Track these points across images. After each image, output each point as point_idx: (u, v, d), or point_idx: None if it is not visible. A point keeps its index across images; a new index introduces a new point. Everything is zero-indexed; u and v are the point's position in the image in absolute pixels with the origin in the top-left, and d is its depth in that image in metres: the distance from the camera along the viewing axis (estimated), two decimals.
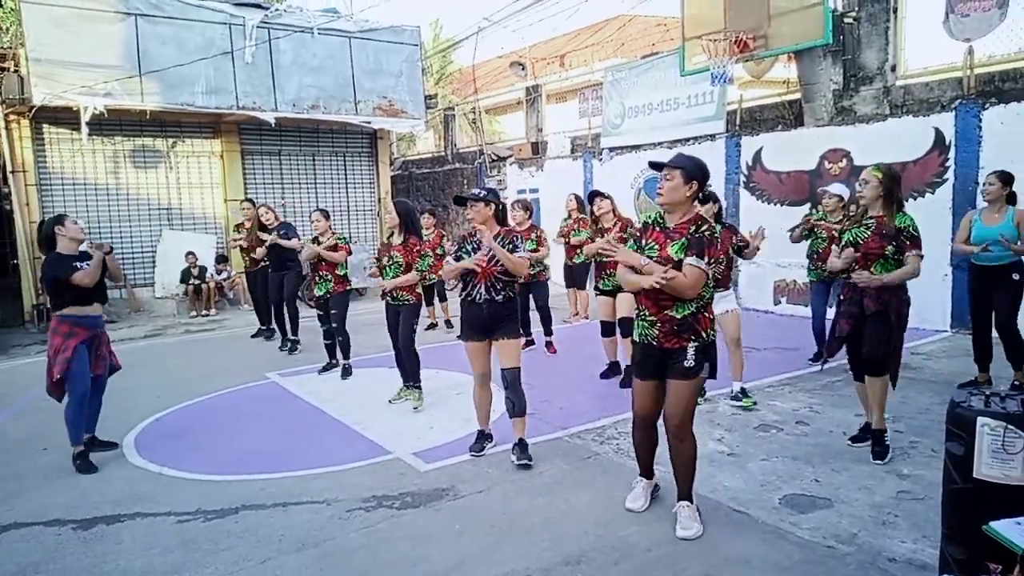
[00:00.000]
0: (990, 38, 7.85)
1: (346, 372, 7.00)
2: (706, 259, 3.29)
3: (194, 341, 9.81)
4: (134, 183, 12.10)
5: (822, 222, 6.40)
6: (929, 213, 7.50)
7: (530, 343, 7.69)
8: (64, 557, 3.54)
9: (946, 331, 7.76)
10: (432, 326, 9.37)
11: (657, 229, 3.47)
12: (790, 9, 8.97)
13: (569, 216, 8.33)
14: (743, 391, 5.48)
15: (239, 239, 9.14)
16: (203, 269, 12.12)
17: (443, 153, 17.08)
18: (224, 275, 12.42)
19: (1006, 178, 5.28)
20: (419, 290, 5.90)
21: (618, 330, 6.15)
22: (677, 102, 11.26)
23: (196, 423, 5.76)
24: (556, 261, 9.27)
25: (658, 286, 3.26)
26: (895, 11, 8.70)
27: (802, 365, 6.58)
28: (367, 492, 4.13)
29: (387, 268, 5.71)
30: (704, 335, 3.40)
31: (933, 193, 7.89)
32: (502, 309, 4.42)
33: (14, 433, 5.65)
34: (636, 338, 3.54)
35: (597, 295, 6.42)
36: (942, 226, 7.52)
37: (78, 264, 4.68)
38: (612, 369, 6.41)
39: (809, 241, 6.60)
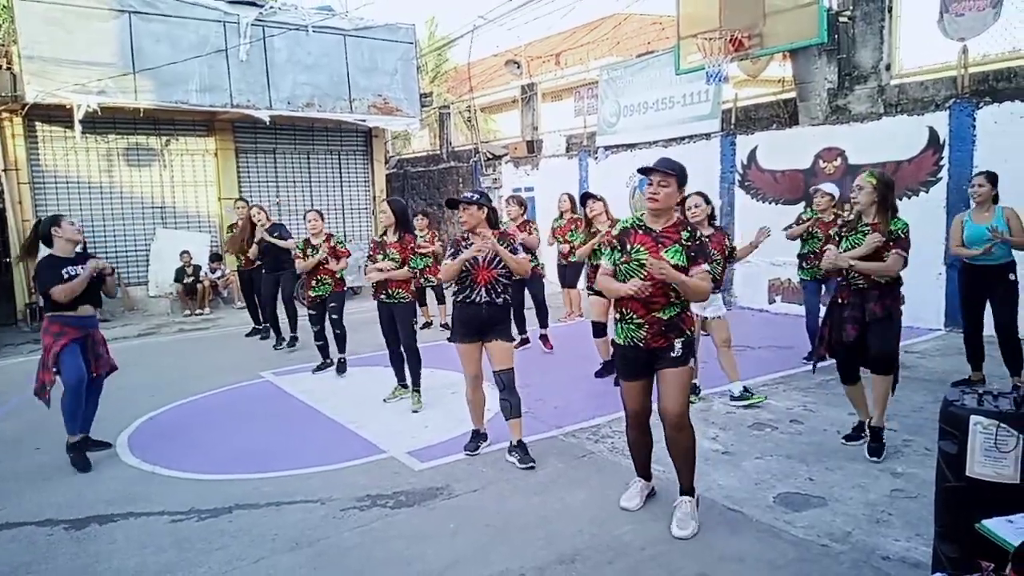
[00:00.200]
0: (984, 37, 7.88)
1: (341, 366, 6.99)
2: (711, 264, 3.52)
3: (188, 340, 9.79)
4: (128, 181, 12.07)
5: (817, 220, 6.40)
6: (923, 212, 7.55)
7: (525, 342, 7.69)
8: (56, 557, 3.52)
9: (940, 330, 7.79)
10: (427, 325, 9.36)
11: (641, 232, 3.49)
12: (785, 8, 8.97)
13: (562, 216, 8.33)
14: (745, 389, 5.46)
15: (228, 248, 9.12)
16: (197, 268, 12.08)
17: (438, 152, 17.07)
18: (218, 273, 12.40)
19: (994, 178, 5.36)
20: (413, 288, 5.90)
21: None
22: (672, 101, 11.26)
23: (190, 422, 5.75)
24: (550, 261, 9.28)
25: (638, 293, 3.33)
26: (890, 10, 8.72)
27: (796, 364, 6.59)
28: (361, 491, 4.13)
29: None
30: (689, 332, 3.49)
31: (927, 192, 7.92)
32: (499, 311, 4.45)
33: (6, 433, 5.63)
34: (620, 340, 3.54)
35: (589, 295, 6.43)
36: (936, 225, 7.56)
37: (71, 268, 4.59)
38: (606, 368, 6.40)
39: (803, 241, 6.60)
